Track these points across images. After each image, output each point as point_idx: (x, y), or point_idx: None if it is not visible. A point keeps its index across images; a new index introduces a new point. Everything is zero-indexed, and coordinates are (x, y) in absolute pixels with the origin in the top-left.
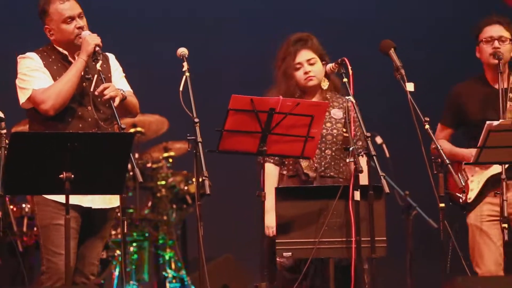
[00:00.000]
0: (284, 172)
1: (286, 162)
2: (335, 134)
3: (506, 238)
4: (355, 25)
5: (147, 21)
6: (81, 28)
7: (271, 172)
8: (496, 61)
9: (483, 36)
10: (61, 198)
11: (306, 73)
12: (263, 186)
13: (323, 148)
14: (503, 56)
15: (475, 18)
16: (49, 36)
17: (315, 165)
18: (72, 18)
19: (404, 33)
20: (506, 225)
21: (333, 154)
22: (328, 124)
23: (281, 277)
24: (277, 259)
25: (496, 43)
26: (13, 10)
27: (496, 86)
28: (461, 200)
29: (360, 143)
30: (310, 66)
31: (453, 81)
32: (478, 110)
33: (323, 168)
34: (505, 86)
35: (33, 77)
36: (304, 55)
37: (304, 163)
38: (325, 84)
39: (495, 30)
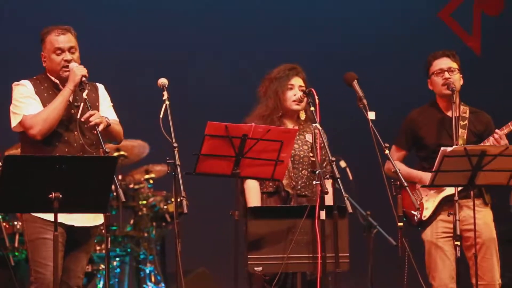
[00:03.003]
0: (264, 190)
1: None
2: (310, 156)
3: (458, 254)
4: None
5: (130, 54)
6: (67, 61)
7: (254, 186)
8: (449, 92)
9: (433, 69)
10: (47, 216)
11: (296, 95)
12: (236, 202)
13: (300, 169)
14: (455, 87)
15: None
16: (43, 63)
17: (293, 183)
18: (61, 50)
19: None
20: (458, 243)
21: (308, 175)
22: (305, 147)
23: None
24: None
25: (446, 74)
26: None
27: (448, 114)
28: (416, 218)
29: (329, 167)
30: (300, 92)
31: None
32: (432, 135)
33: (299, 187)
34: (457, 114)
35: (25, 103)
36: (297, 81)
37: (285, 181)
38: (302, 115)
39: (444, 62)
